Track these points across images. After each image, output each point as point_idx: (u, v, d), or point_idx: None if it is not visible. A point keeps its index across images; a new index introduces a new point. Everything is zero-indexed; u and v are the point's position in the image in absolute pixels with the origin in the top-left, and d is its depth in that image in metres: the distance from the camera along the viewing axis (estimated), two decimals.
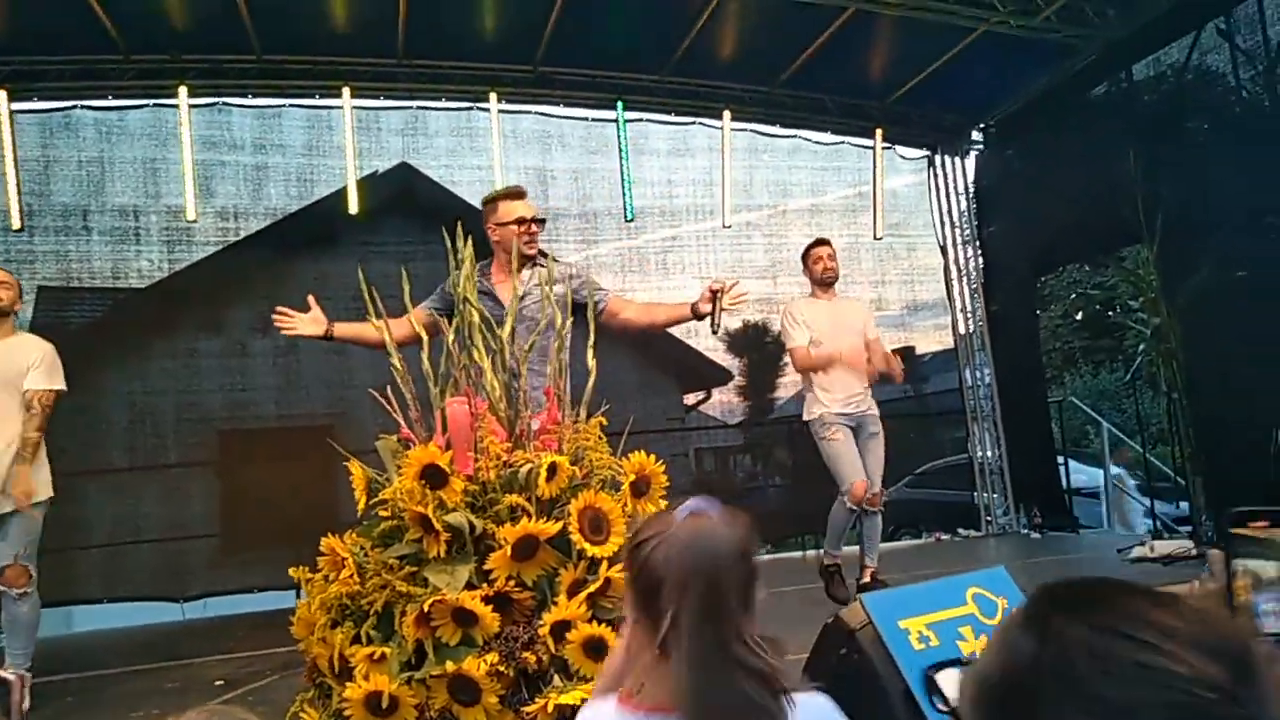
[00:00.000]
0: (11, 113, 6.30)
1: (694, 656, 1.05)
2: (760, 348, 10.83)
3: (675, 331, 9.02)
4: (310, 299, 3.31)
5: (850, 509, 4.65)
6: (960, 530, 7.99)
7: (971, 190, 8.34)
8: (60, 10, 5.76)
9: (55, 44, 6.17)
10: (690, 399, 11.31)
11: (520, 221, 3.25)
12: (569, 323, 2.48)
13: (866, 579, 4.63)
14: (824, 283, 4.88)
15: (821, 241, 5.01)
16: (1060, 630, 0.64)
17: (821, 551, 4.92)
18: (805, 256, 5.00)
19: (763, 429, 10.68)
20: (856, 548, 4.91)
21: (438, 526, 1.97)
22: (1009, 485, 7.97)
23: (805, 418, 4.85)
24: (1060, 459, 8.12)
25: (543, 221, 3.34)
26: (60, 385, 3.98)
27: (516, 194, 3.44)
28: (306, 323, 3.30)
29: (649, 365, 9.53)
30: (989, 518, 8.02)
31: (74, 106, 6.74)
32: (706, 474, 10.60)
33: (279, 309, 3.26)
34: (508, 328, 2.37)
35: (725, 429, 10.94)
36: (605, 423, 2.39)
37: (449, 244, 2.43)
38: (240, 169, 7.12)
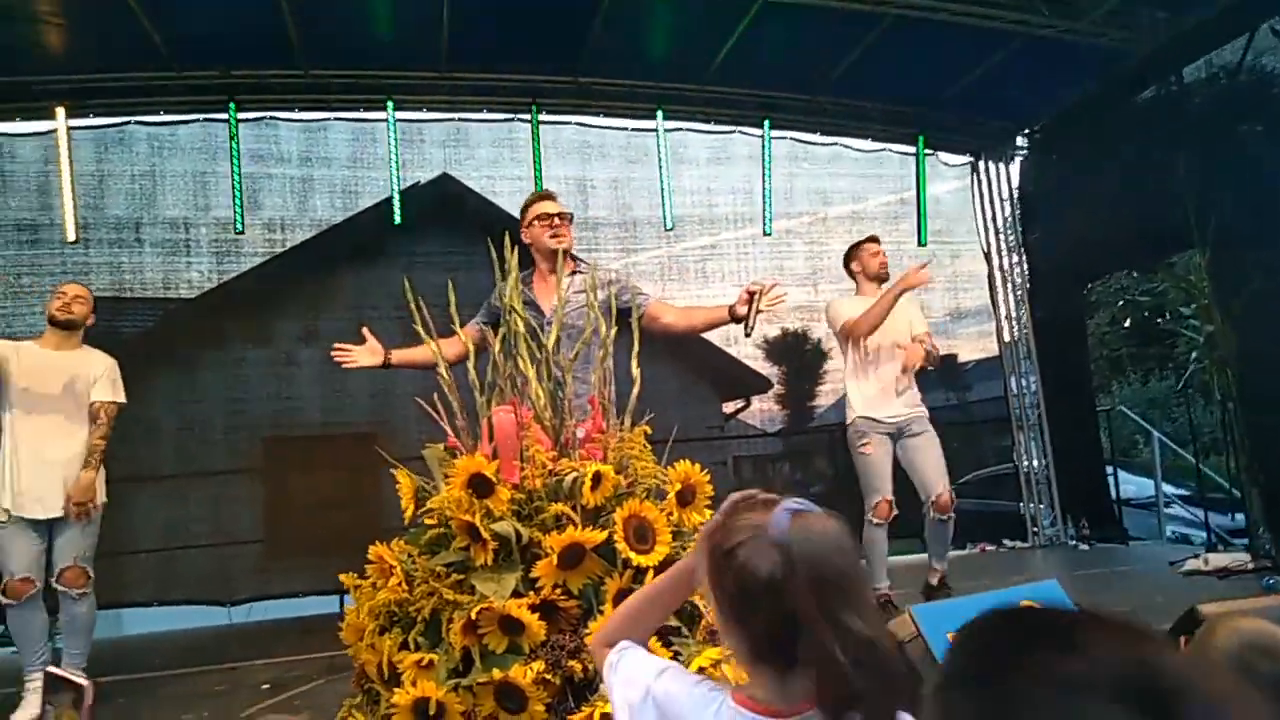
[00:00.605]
0: (69, 129, 6.49)
1: (843, 649, 1.03)
2: (800, 355, 10.79)
3: (714, 339, 9.02)
4: (365, 331, 3.38)
5: (876, 525, 4.42)
6: (1006, 541, 7.86)
7: (1016, 196, 8.23)
8: (114, 29, 5.92)
9: (110, 62, 6.35)
10: (729, 407, 11.29)
11: (543, 216, 3.28)
12: (614, 331, 2.48)
13: (934, 581, 4.46)
14: (880, 278, 4.69)
15: (873, 238, 4.88)
16: (953, 706, 0.61)
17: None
18: (857, 252, 4.82)
19: (802, 437, 10.63)
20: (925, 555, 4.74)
21: (485, 535, 1.98)
22: (1056, 495, 7.83)
23: (846, 422, 4.73)
24: (1109, 469, 7.95)
25: (568, 217, 3.33)
26: (122, 398, 4.14)
27: (542, 195, 3.47)
28: (364, 354, 3.37)
29: (689, 373, 9.53)
30: (1035, 528, 7.88)
31: (127, 122, 6.92)
32: (745, 482, 10.53)
33: (337, 346, 3.31)
34: (553, 336, 2.38)
35: (764, 437, 10.91)
36: (650, 431, 2.39)
37: (494, 254, 2.45)
38: (287, 181, 7.25)
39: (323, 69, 6.69)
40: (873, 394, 4.55)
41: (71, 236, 6.54)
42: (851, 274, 4.87)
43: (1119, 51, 6.69)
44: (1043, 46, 6.52)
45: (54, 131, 6.51)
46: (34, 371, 3.98)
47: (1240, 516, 6.50)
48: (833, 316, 4.72)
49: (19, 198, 6.73)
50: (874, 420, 4.52)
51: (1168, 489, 8.19)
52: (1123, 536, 7.48)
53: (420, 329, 2.40)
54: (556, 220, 3.27)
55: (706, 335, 9.01)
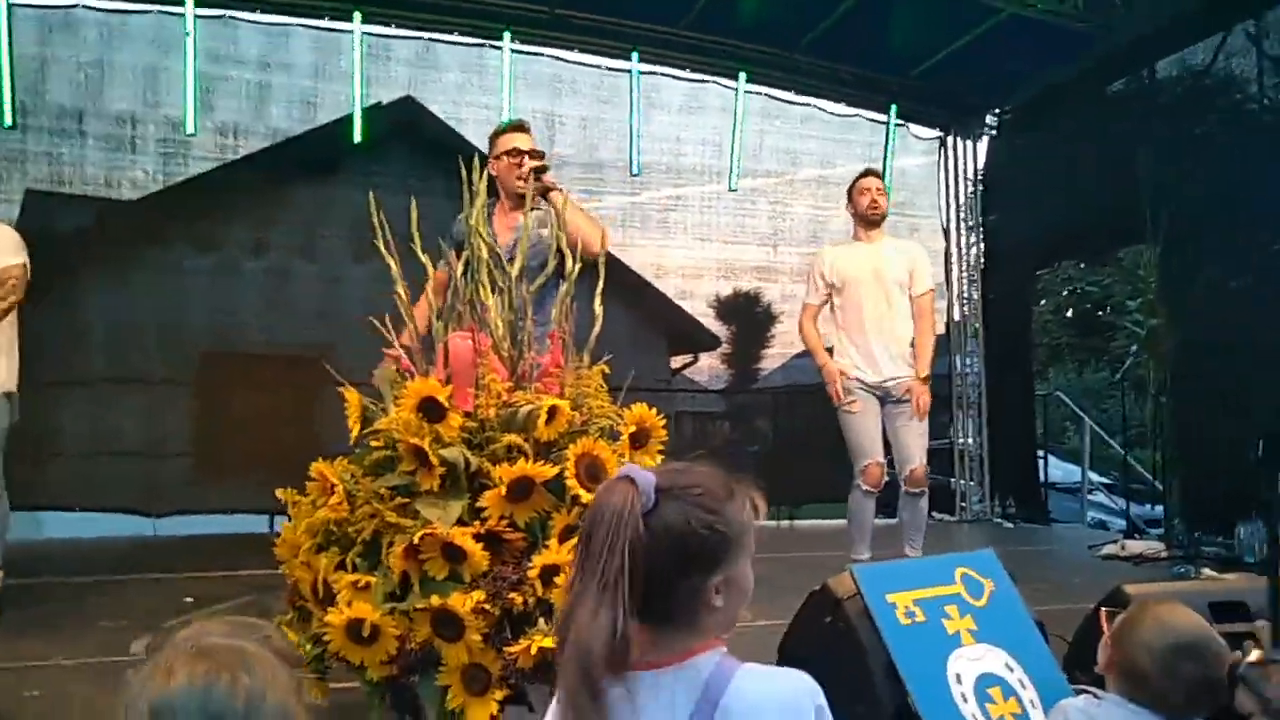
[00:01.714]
0: (10, 5, 6.11)
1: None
2: (751, 316, 10.80)
3: (668, 292, 8.99)
4: None
5: (865, 492, 4.07)
6: (934, 514, 8.05)
7: (980, 176, 8.29)
8: None
9: None
10: (677, 361, 11.30)
11: (512, 153, 3.12)
12: (579, 266, 2.42)
13: None
14: (869, 220, 4.23)
15: (870, 172, 4.39)
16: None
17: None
18: (850, 190, 4.35)
19: (746, 397, 10.70)
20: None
21: (433, 460, 1.94)
22: (987, 473, 8.03)
23: None
24: (1039, 452, 8.18)
25: (540, 155, 3.11)
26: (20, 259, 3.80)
27: (515, 126, 3.30)
28: None
29: (640, 322, 9.49)
30: (964, 504, 8.09)
31: (75, 5, 6.54)
32: (685, 438, 10.61)
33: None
34: (517, 265, 2.31)
35: (709, 394, 10.96)
36: (608, 371, 2.35)
37: (464, 176, 2.36)
38: (243, 85, 6.94)
39: None
40: (863, 353, 4.16)
41: (9, 121, 6.20)
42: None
43: (1096, 39, 6.73)
44: (1022, 26, 6.53)
45: None
46: None
47: (1159, 508, 6.75)
48: (811, 266, 4.38)
49: None
50: (862, 380, 4.14)
51: (1093, 476, 8.46)
52: (1046, 518, 7.73)
53: (381, 246, 2.32)
54: (528, 160, 3.06)
55: (661, 287, 9.05)
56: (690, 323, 10.01)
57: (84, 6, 6.53)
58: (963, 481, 8.14)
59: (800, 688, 1.11)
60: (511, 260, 2.36)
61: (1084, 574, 5.16)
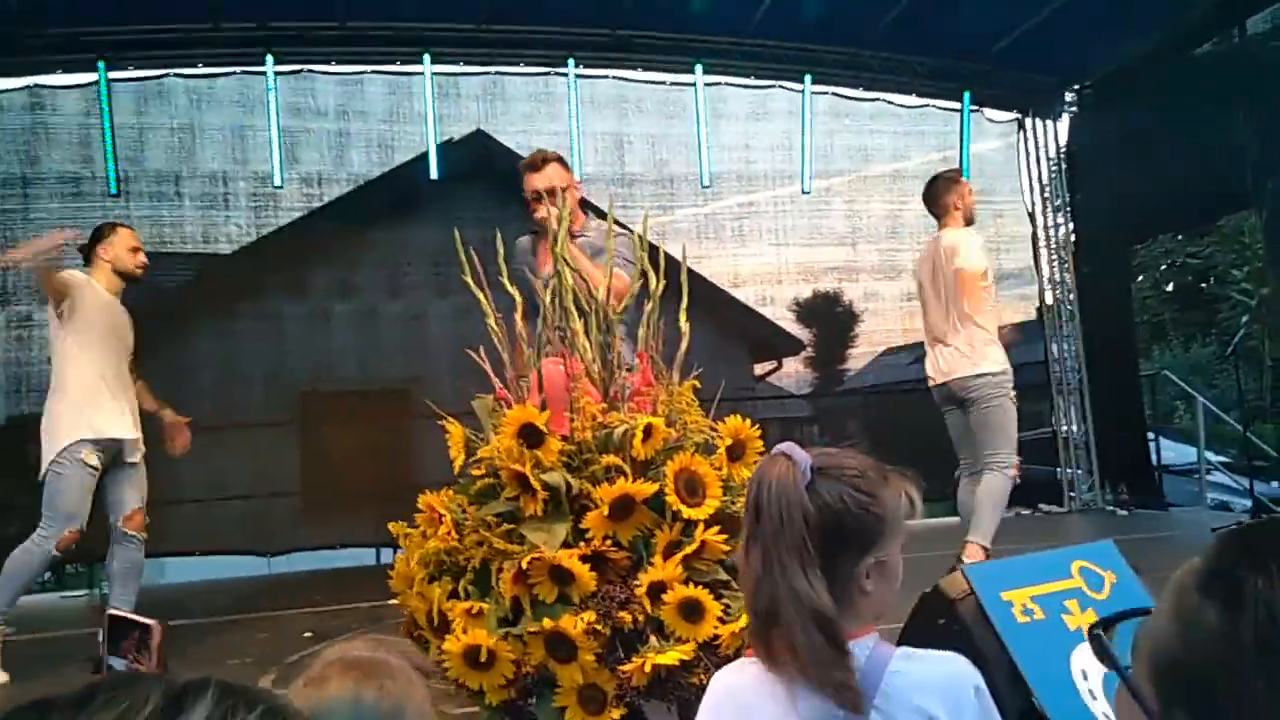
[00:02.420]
0: (109, 81, 6.51)
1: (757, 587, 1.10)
2: (832, 317, 10.65)
3: (748, 300, 8.95)
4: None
5: (1010, 479, 4.20)
6: (1042, 506, 7.78)
7: (1063, 155, 8.02)
8: None
9: (149, 13, 6.34)
10: (760, 369, 11.22)
11: (533, 196, 3.10)
12: (662, 285, 2.44)
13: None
14: (971, 220, 4.33)
15: (958, 177, 4.50)
16: (1258, 596, 0.55)
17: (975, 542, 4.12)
18: (956, 186, 4.33)
19: (832, 399, 10.55)
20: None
21: (535, 485, 1.97)
22: (1095, 460, 7.73)
23: (989, 370, 4.22)
24: (1150, 434, 7.83)
25: (560, 192, 2.99)
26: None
27: (529, 164, 3.20)
28: None
29: (720, 334, 9.46)
30: (1072, 494, 7.80)
31: (166, 74, 6.92)
32: (773, 445, 10.49)
33: None
34: (602, 289, 2.35)
35: (795, 399, 10.85)
36: (699, 385, 2.36)
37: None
38: (323, 135, 7.24)
39: (359, 21, 6.64)
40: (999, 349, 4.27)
41: (114, 189, 6.59)
42: (943, 209, 4.32)
43: (1176, 3, 6.46)
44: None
45: (95, 84, 6.53)
46: (108, 309, 3.96)
47: None
48: (970, 256, 4.21)
49: (61, 150, 6.78)
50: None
51: (1210, 455, 8.06)
52: (1162, 503, 7.39)
53: (470, 280, 2.38)
54: (547, 200, 2.99)
55: (739, 296, 9.01)
56: (770, 329, 9.94)
57: (174, 74, 6.91)
58: (1069, 470, 7.85)
59: (960, 670, 1.12)
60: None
61: None
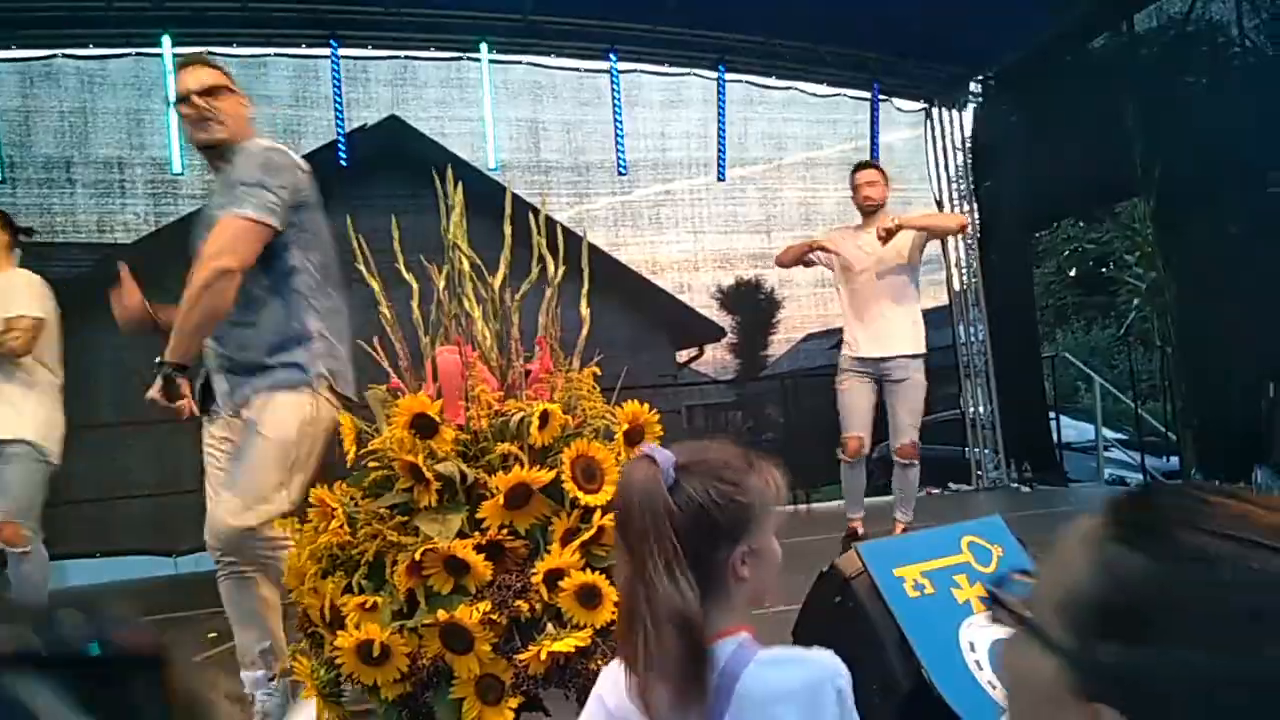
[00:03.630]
0: None
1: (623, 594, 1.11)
2: (754, 304, 10.80)
3: (668, 287, 9.00)
4: (122, 268, 2.95)
5: (846, 463, 4.47)
6: (951, 485, 8.04)
7: (968, 144, 8.25)
8: None
9: None
10: (683, 356, 11.30)
11: (180, 101, 2.67)
12: (562, 270, 2.42)
13: (895, 531, 4.36)
14: (865, 212, 4.45)
15: (861, 165, 4.61)
16: (1180, 541, 0.59)
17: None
18: (851, 183, 4.57)
19: (755, 385, 10.69)
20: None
21: (429, 475, 1.94)
22: (1000, 440, 8.01)
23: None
24: (1051, 414, 8.15)
25: (210, 92, 2.64)
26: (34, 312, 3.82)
27: (181, 64, 2.77)
28: (125, 309, 2.96)
29: (641, 321, 9.50)
30: (980, 472, 8.07)
31: (55, 55, 6.58)
32: (698, 431, 10.61)
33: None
34: (500, 275, 2.32)
35: (717, 385, 10.96)
36: (599, 372, 2.35)
37: (440, 189, 2.37)
38: None
39: (265, 2, 6.42)
40: (858, 334, 4.42)
41: None
42: None
43: None
44: None
45: None
46: None
47: (1175, 459, 6.72)
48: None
49: None
50: (857, 359, 4.43)
51: (1107, 433, 8.43)
52: (1062, 479, 7.71)
53: (364, 269, 2.33)
54: (198, 100, 2.64)
55: (659, 283, 9.05)
56: (691, 316, 10.02)
57: (64, 55, 6.58)
58: (976, 450, 8.11)
59: (819, 673, 1.11)
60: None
61: None
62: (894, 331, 4.35)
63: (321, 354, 2.73)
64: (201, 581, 6.06)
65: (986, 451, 8.06)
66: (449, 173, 2.43)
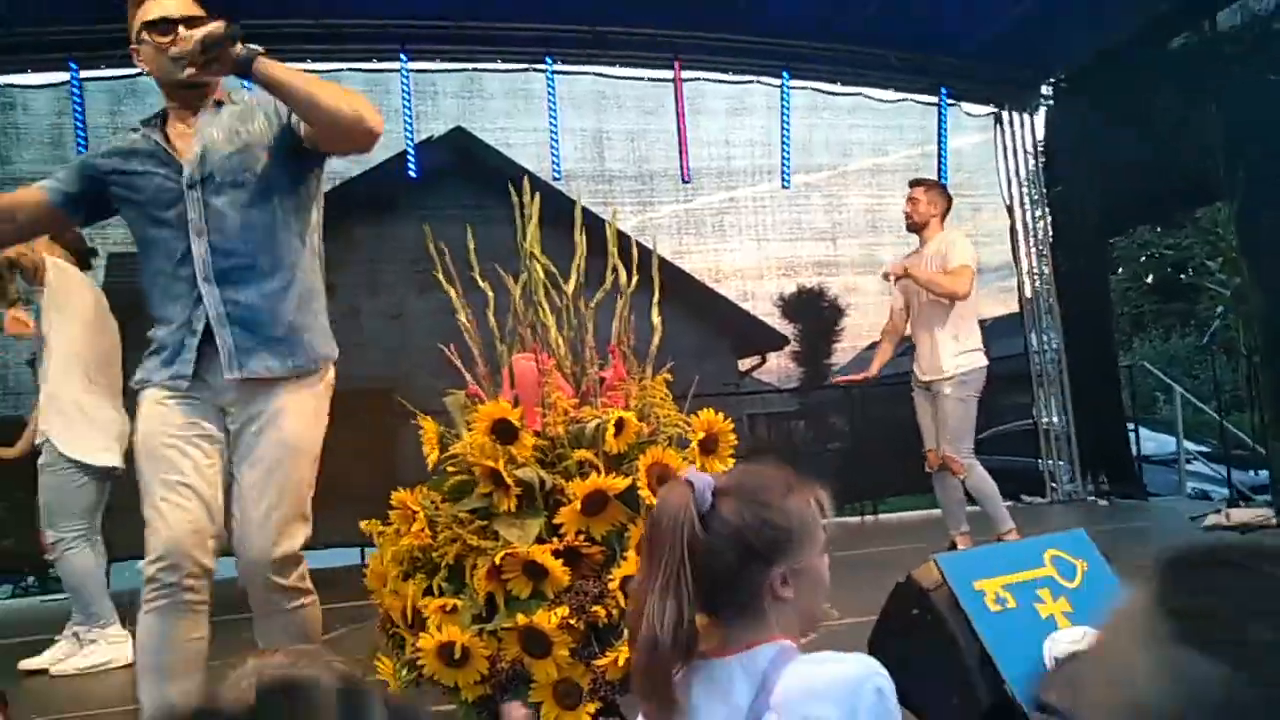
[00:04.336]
0: (81, 80, 6.45)
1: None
2: (817, 312, 10.68)
3: (731, 295, 8.97)
4: None
5: (931, 474, 4.65)
6: (1024, 497, 7.84)
7: (1040, 148, 8.07)
8: None
9: (121, 12, 6.26)
10: (745, 364, 11.24)
11: (153, 26, 2.11)
12: (635, 280, 2.44)
13: (960, 546, 4.49)
14: (909, 230, 4.69)
15: (911, 183, 4.78)
16: (1261, 644, 0.51)
17: None
18: None
19: (819, 394, 10.57)
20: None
21: (508, 481, 1.97)
22: (1076, 452, 7.79)
23: None
24: (1129, 425, 7.90)
25: (194, 20, 2.10)
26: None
27: None
28: None
29: (704, 329, 9.48)
30: (1054, 484, 7.86)
31: (140, 74, 6.80)
32: (760, 440, 10.54)
33: None
34: (574, 284, 2.35)
35: (780, 394, 10.87)
36: (671, 379, 2.36)
37: (515, 200, 2.41)
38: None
39: (335, 18, 6.59)
40: (917, 352, 4.69)
41: None
42: None
43: None
44: None
45: (67, 83, 6.46)
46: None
47: (1264, 473, 6.45)
48: None
49: (33, 150, 6.70)
50: (915, 376, 4.68)
51: (1189, 445, 8.13)
52: (1142, 493, 7.45)
53: (440, 277, 2.38)
54: (182, 32, 2.07)
55: (721, 291, 9.03)
56: (754, 324, 9.96)
57: (148, 74, 6.83)
58: (1050, 461, 7.91)
59: (856, 672, 1.11)
60: (206, 181, 2.13)
61: None
62: (932, 352, 4.56)
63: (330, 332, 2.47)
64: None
65: (1061, 463, 7.85)
66: (525, 184, 2.46)
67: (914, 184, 4.75)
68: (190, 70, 2.03)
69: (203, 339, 2.14)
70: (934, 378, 4.54)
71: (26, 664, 3.87)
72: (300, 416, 2.21)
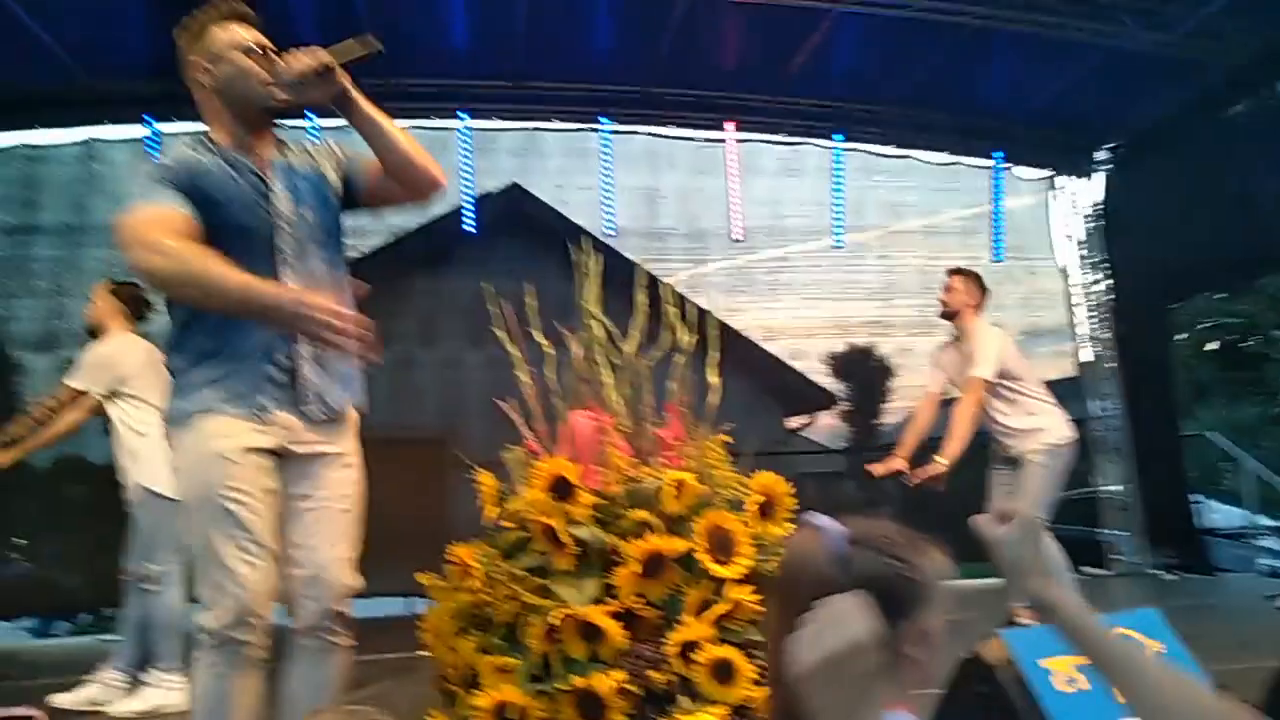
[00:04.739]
0: (157, 134, 6.73)
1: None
2: (866, 371, 10.59)
3: (778, 352, 8.93)
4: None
5: None
6: (1082, 569, 7.57)
7: (1097, 212, 7.97)
8: None
9: None
10: (793, 422, 11.13)
11: (250, 52, 2.04)
12: (694, 338, 2.45)
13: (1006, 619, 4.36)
14: (944, 319, 4.58)
15: (948, 271, 4.68)
16: None
17: None
18: None
19: (870, 455, 10.41)
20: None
21: (565, 540, 1.96)
22: (1138, 522, 7.52)
23: None
24: (1194, 496, 7.63)
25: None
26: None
27: (236, 14, 2.11)
28: None
29: (752, 386, 9.43)
30: (1116, 556, 7.59)
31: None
32: (808, 500, 10.35)
33: None
34: (633, 342, 2.36)
35: (828, 454, 10.73)
36: (730, 440, 2.35)
37: (576, 258, 2.44)
38: None
39: (400, 77, 6.81)
40: (999, 428, 4.54)
41: None
42: None
43: (1208, 64, 6.44)
44: (1127, 59, 6.31)
45: (144, 137, 6.74)
46: None
47: None
48: None
49: (110, 201, 6.97)
50: (997, 453, 4.58)
51: (1260, 519, 7.82)
52: (1208, 567, 7.16)
53: (503, 334, 2.40)
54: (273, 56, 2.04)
55: (769, 348, 9.01)
56: (803, 382, 9.90)
57: None
58: (1112, 532, 7.65)
59: None
60: (297, 217, 2.07)
61: (1262, 627, 4.73)
62: (1020, 429, 4.44)
63: None
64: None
65: (1123, 534, 7.59)
66: (585, 243, 2.49)
67: (953, 272, 4.66)
68: (286, 95, 1.98)
69: (277, 373, 2.02)
70: (1027, 447, 4.39)
71: (63, 701, 3.85)
72: (358, 455, 2.19)
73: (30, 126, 6.87)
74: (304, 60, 1.95)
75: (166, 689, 3.82)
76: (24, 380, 7.03)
